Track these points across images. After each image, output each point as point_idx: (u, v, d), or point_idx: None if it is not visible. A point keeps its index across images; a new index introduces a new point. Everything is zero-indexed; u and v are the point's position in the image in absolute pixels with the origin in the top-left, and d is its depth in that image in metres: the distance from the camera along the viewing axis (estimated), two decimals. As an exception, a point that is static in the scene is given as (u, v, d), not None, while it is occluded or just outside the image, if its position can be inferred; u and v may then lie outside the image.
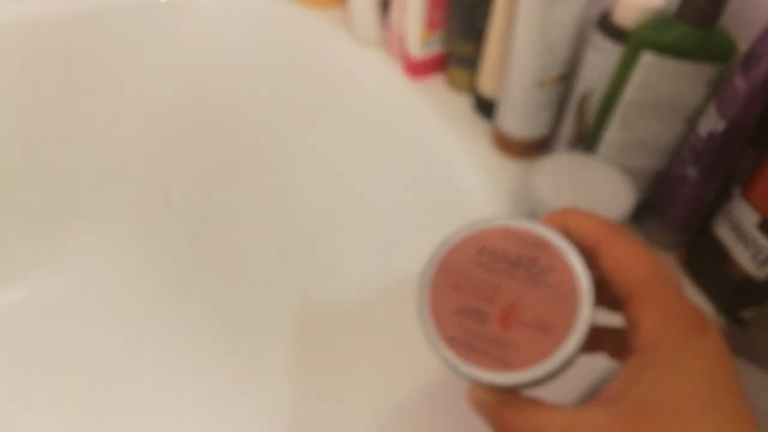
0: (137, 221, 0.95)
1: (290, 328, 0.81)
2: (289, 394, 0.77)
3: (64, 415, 0.81)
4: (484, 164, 0.66)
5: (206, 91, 0.89)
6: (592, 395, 0.46)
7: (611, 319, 0.33)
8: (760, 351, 0.59)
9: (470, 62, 0.71)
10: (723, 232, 0.53)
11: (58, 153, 0.88)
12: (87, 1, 0.82)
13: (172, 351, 0.86)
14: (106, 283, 0.93)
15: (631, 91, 0.53)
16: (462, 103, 0.73)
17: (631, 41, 0.52)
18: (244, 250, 0.89)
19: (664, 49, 0.50)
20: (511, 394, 0.31)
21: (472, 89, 0.72)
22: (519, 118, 0.63)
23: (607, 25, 0.55)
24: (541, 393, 0.31)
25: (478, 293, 0.31)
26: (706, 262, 0.56)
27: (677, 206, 0.56)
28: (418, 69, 0.74)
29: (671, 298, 0.29)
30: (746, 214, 0.50)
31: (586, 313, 0.29)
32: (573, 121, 0.61)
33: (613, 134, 0.56)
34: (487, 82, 0.68)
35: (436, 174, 0.69)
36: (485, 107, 0.70)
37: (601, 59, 0.55)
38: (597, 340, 0.35)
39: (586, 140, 0.60)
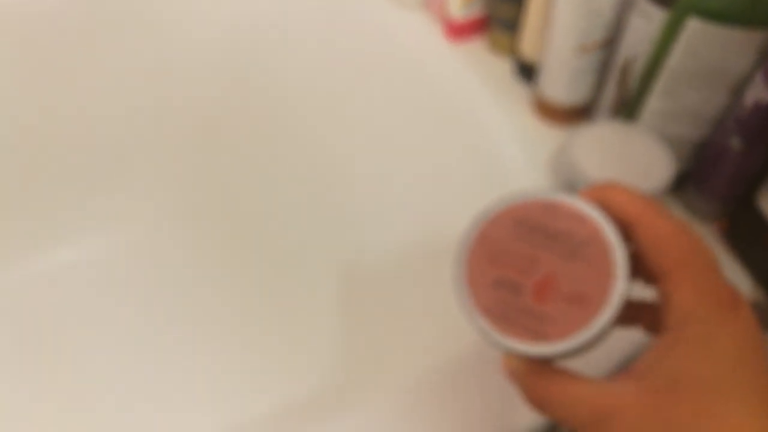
0: (174, 188, 0.95)
1: (331, 287, 0.82)
2: (329, 352, 0.78)
3: (69, 404, 0.81)
4: (523, 130, 0.64)
5: (243, 57, 0.88)
6: (625, 368, 0.45)
7: (648, 292, 0.33)
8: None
9: (512, 25, 0.68)
10: (766, 204, 0.51)
11: (93, 119, 0.88)
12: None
13: (211, 316, 0.87)
14: (145, 248, 0.93)
15: (675, 59, 0.51)
16: (503, 67, 0.71)
17: (677, 6, 0.49)
18: (282, 211, 0.89)
19: (712, 14, 0.47)
20: (544, 364, 0.31)
21: (514, 53, 0.70)
22: (560, 83, 0.61)
23: (652, -11, 0.52)
24: (576, 363, 0.31)
25: (514, 265, 0.31)
26: (747, 235, 0.54)
27: (720, 177, 0.54)
28: (458, 31, 0.72)
29: (705, 276, 0.29)
30: (792, 188, 0.48)
31: (621, 287, 0.29)
32: (615, 88, 0.58)
33: (655, 102, 0.54)
34: (528, 46, 0.66)
35: (476, 139, 0.68)
36: (526, 71, 0.68)
37: (645, 24, 0.53)
38: (633, 313, 0.35)
39: (628, 108, 0.57)
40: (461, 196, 0.68)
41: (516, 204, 0.32)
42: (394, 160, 0.78)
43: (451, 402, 0.48)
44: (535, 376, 0.31)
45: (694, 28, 0.48)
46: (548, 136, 0.63)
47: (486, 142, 0.66)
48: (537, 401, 0.31)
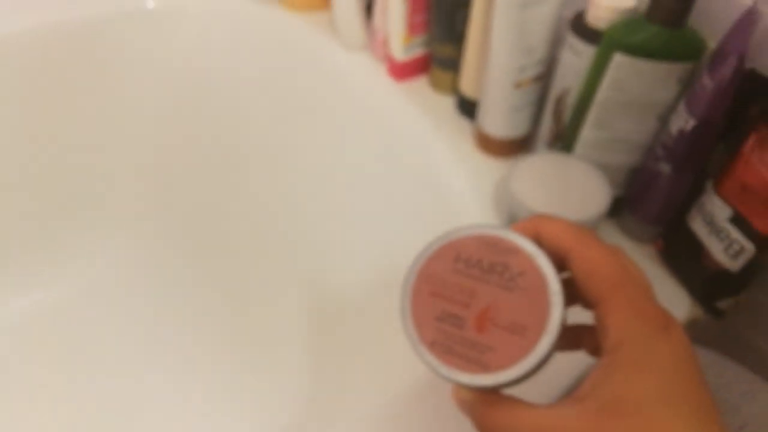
0: (139, 222, 0.95)
1: (295, 321, 0.81)
2: (297, 385, 0.77)
3: (74, 415, 0.81)
4: (467, 163, 0.66)
5: (199, 95, 0.89)
6: (569, 392, 0.46)
7: (588, 316, 0.33)
8: (735, 340, 0.58)
9: (452, 64, 0.70)
10: (697, 225, 0.52)
11: (57, 160, 0.88)
12: (76, 12, 0.82)
13: (180, 347, 0.86)
14: (112, 283, 0.93)
15: (604, 91, 0.52)
16: (446, 104, 0.72)
17: (603, 42, 0.51)
18: (244, 247, 0.89)
19: (635, 49, 0.49)
20: (491, 392, 0.32)
21: (455, 90, 0.71)
22: (498, 118, 0.62)
23: (580, 27, 0.54)
24: (526, 389, 0.31)
25: (455, 299, 0.31)
26: (682, 255, 0.55)
27: (652, 201, 0.55)
28: (402, 71, 0.74)
29: (636, 299, 0.30)
30: (718, 208, 0.50)
31: (557, 316, 0.29)
32: (550, 121, 0.60)
33: (588, 133, 0.55)
34: (468, 84, 0.68)
35: (422, 173, 0.69)
36: (467, 108, 0.69)
37: (575, 60, 0.55)
38: (576, 338, 0.35)
39: (564, 139, 0.59)
40: (413, 228, 0.68)
41: (453, 240, 0.32)
42: (349, 196, 0.78)
43: (416, 425, 0.48)
44: (482, 404, 0.31)
45: (620, 62, 0.50)
46: (491, 169, 0.65)
47: (433, 176, 0.67)
48: (485, 429, 0.31)
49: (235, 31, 0.86)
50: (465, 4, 0.65)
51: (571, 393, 0.30)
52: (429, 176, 0.68)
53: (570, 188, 0.55)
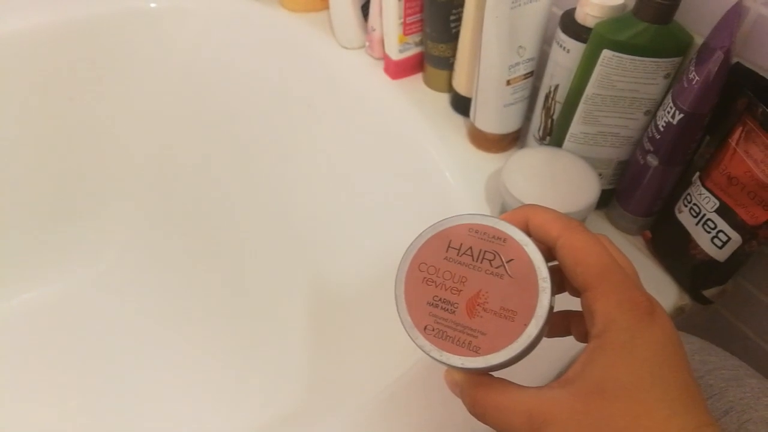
0: (142, 218, 0.95)
1: (296, 314, 0.81)
2: (298, 376, 0.77)
3: (79, 406, 0.81)
4: (461, 159, 0.65)
5: (199, 93, 0.88)
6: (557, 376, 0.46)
7: (577, 304, 0.33)
8: (722, 328, 0.58)
9: (446, 62, 0.70)
10: (684, 216, 0.52)
11: (61, 157, 0.88)
12: (78, 11, 0.81)
13: (183, 340, 0.86)
14: (115, 279, 0.93)
15: (592, 87, 0.52)
16: (440, 101, 0.72)
17: (592, 39, 0.51)
18: (246, 241, 0.89)
19: (623, 46, 0.49)
20: (482, 375, 0.32)
21: (449, 88, 0.71)
22: (491, 115, 0.62)
23: (569, 24, 0.54)
24: (516, 373, 0.32)
25: (446, 285, 0.31)
26: (670, 245, 0.55)
27: (641, 194, 0.55)
28: (397, 70, 0.74)
29: (622, 286, 0.29)
30: (705, 200, 0.50)
31: (545, 301, 0.30)
32: (541, 116, 0.60)
33: (577, 127, 0.55)
34: (461, 81, 0.67)
35: (418, 169, 0.69)
36: (461, 104, 0.69)
37: (564, 56, 0.55)
38: (564, 324, 0.35)
39: (554, 134, 0.59)
40: (409, 222, 0.68)
41: (445, 229, 0.32)
42: (346, 192, 0.78)
43: (414, 416, 0.48)
44: (473, 386, 0.32)
45: (608, 58, 0.50)
46: (484, 163, 0.64)
47: (428, 171, 0.67)
48: (476, 410, 0.32)
49: (235, 30, 0.86)
50: (458, 4, 0.65)
51: (560, 376, 0.30)
52: (424, 171, 0.67)
53: (560, 181, 0.54)
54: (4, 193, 0.86)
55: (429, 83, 0.73)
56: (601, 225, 0.60)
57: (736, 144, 0.47)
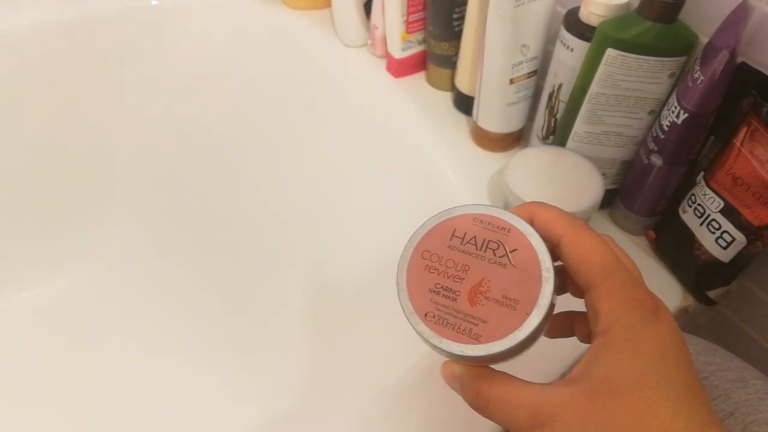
0: (143, 216, 0.94)
1: (296, 314, 0.81)
2: (298, 376, 0.77)
3: (77, 408, 0.80)
4: (463, 158, 0.65)
5: (200, 92, 0.88)
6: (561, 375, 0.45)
7: (580, 306, 0.33)
8: (726, 329, 0.58)
9: (449, 61, 0.69)
10: (689, 217, 0.52)
11: (62, 155, 0.87)
12: (80, 8, 0.80)
13: (182, 340, 0.85)
14: (116, 277, 0.92)
15: (596, 86, 0.51)
16: (443, 100, 0.71)
17: (596, 38, 0.50)
18: (247, 241, 0.88)
19: (627, 45, 0.48)
20: (484, 368, 0.31)
21: (452, 86, 0.70)
22: (493, 114, 0.62)
23: (573, 23, 0.53)
24: (520, 374, 0.31)
25: (449, 273, 0.31)
26: (674, 245, 0.55)
27: (644, 193, 0.55)
28: (400, 68, 0.73)
29: (627, 285, 0.29)
30: (710, 200, 0.49)
31: (548, 291, 0.29)
32: (544, 116, 0.59)
33: (580, 127, 0.55)
34: (464, 80, 0.67)
35: (420, 168, 0.68)
36: (464, 103, 0.68)
37: (568, 55, 0.54)
38: (568, 325, 0.35)
39: (558, 133, 0.58)
40: (411, 221, 0.67)
41: (449, 218, 0.32)
42: (349, 191, 0.78)
43: (416, 413, 0.47)
44: (476, 378, 0.31)
45: (612, 57, 0.49)
46: (487, 162, 0.64)
47: (431, 170, 0.66)
48: (479, 402, 0.31)
49: (237, 27, 0.85)
50: (461, 2, 0.64)
51: (564, 374, 0.30)
52: (426, 170, 0.67)
53: (564, 181, 0.54)
54: (5, 189, 0.85)
55: (431, 82, 0.73)
56: (604, 225, 0.59)
57: (741, 144, 0.46)
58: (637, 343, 0.28)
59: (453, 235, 0.32)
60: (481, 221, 0.32)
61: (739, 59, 0.48)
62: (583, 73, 0.52)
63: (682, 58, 0.49)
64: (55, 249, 0.91)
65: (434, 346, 0.30)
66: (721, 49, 0.44)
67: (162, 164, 0.92)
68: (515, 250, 0.30)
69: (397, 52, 0.71)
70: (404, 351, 0.54)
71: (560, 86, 0.56)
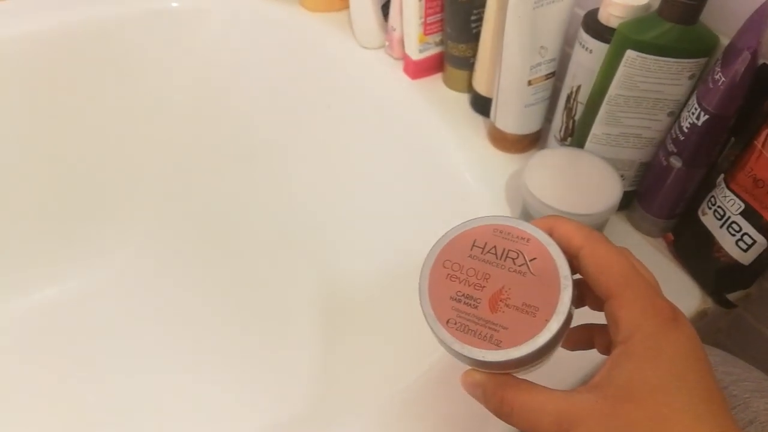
0: (156, 218, 0.94)
1: (309, 314, 0.80)
2: (309, 376, 0.77)
3: (87, 408, 0.80)
4: (480, 159, 0.65)
5: (219, 93, 0.88)
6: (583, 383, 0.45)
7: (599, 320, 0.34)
8: (745, 332, 0.57)
9: (466, 62, 0.69)
10: (708, 219, 0.51)
11: (78, 157, 0.88)
12: (100, 10, 0.81)
13: (195, 340, 0.86)
14: (128, 278, 0.92)
15: (615, 87, 0.51)
16: (460, 101, 0.71)
17: (616, 39, 0.50)
18: (260, 242, 0.88)
19: (648, 46, 0.48)
20: (508, 376, 0.32)
21: (469, 88, 0.70)
22: (511, 115, 0.61)
23: (592, 24, 0.53)
24: (541, 381, 0.32)
25: (470, 281, 0.32)
26: (693, 248, 0.54)
27: (663, 196, 0.54)
28: (417, 69, 0.73)
29: (646, 294, 0.30)
30: (730, 202, 0.48)
31: (567, 298, 0.30)
32: (562, 117, 0.59)
33: (599, 128, 0.54)
34: (482, 81, 0.66)
35: (437, 168, 0.68)
36: (481, 105, 0.68)
37: (587, 57, 0.53)
38: (588, 337, 0.36)
39: (576, 134, 0.58)
40: (428, 221, 0.67)
41: (470, 228, 0.33)
42: (365, 191, 0.78)
43: (424, 420, 0.47)
44: (499, 386, 0.31)
45: (632, 59, 0.49)
46: (504, 164, 0.63)
47: (448, 171, 0.66)
48: (503, 409, 0.31)
49: (255, 29, 0.85)
50: (479, 4, 0.64)
51: (586, 382, 0.30)
52: (443, 171, 0.67)
53: (582, 182, 0.53)
54: (13, 192, 0.86)
55: (448, 83, 0.72)
56: (622, 227, 0.59)
57: (762, 146, 0.45)
58: (658, 350, 0.28)
59: (474, 245, 0.32)
60: (501, 232, 0.32)
61: (761, 61, 0.47)
62: (602, 74, 0.52)
63: (703, 60, 0.49)
64: (62, 254, 0.92)
65: (456, 353, 0.31)
66: (743, 50, 0.43)
67: (174, 167, 0.92)
68: (534, 258, 0.31)
69: (415, 54, 0.71)
70: (414, 356, 0.54)
71: (578, 88, 0.56)
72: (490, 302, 0.31)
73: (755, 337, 0.60)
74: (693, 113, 0.48)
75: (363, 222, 0.77)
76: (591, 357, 0.36)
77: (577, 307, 0.32)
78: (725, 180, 0.49)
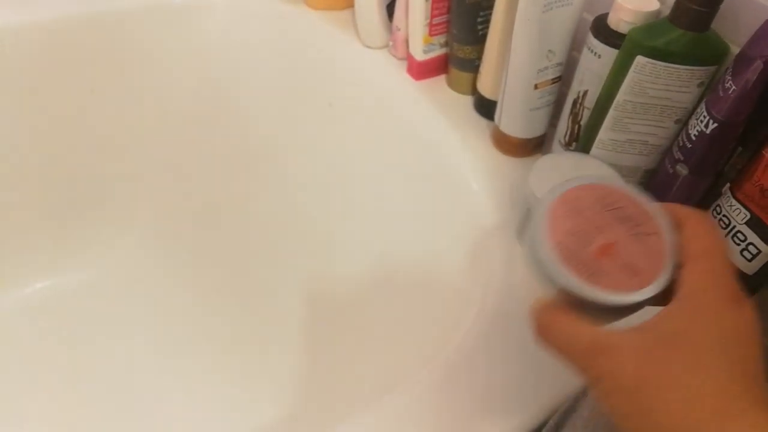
0: (154, 214, 0.94)
1: (301, 316, 0.80)
2: (299, 377, 0.76)
3: (83, 402, 0.80)
4: (484, 162, 0.64)
5: (220, 89, 0.87)
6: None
7: None
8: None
9: (471, 64, 0.68)
10: (713, 227, 0.51)
11: (77, 152, 0.87)
12: (103, 3, 0.80)
13: (186, 340, 0.85)
14: (126, 273, 0.92)
15: (623, 93, 0.51)
16: (464, 103, 0.71)
17: (626, 45, 0.49)
18: (261, 240, 0.88)
19: (658, 52, 0.48)
20: (565, 304, 0.33)
21: (473, 90, 0.70)
22: (517, 118, 0.61)
23: (601, 29, 0.52)
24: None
25: (588, 225, 0.34)
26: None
27: (669, 203, 0.54)
28: (421, 71, 0.72)
29: (723, 268, 0.31)
30: (735, 211, 0.48)
31: (663, 280, 0.32)
32: (568, 122, 0.58)
33: (605, 134, 0.54)
34: (487, 84, 0.66)
35: (439, 170, 0.67)
36: (485, 107, 0.67)
37: (595, 62, 0.53)
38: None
39: (581, 139, 0.57)
40: (430, 224, 0.67)
41: (605, 184, 0.36)
42: (367, 192, 0.77)
43: (420, 420, 0.46)
44: (549, 310, 0.33)
45: (641, 65, 0.49)
46: (508, 168, 0.63)
47: (451, 174, 0.66)
48: (542, 327, 0.33)
49: (257, 27, 0.84)
50: (486, 6, 0.63)
51: (633, 326, 0.31)
52: (445, 173, 0.66)
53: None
54: (19, 185, 0.85)
55: (452, 85, 0.72)
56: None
57: (771, 156, 0.45)
58: (715, 316, 0.29)
59: (603, 197, 0.35)
60: (633, 201, 0.35)
61: (771, 70, 0.47)
62: (610, 80, 0.51)
63: (713, 68, 0.48)
64: (60, 248, 0.91)
65: (553, 271, 0.33)
66: (755, 59, 0.43)
67: (174, 162, 0.92)
68: (653, 234, 0.33)
69: (419, 55, 0.70)
70: (409, 356, 0.54)
71: (585, 93, 0.55)
72: (599, 249, 0.33)
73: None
74: (701, 121, 0.47)
75: (363, 222, 0.76)
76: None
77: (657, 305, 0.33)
78: (731, 189, 0.49)
